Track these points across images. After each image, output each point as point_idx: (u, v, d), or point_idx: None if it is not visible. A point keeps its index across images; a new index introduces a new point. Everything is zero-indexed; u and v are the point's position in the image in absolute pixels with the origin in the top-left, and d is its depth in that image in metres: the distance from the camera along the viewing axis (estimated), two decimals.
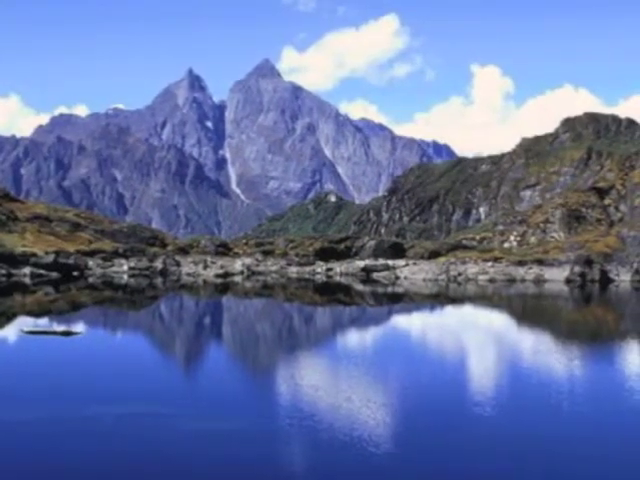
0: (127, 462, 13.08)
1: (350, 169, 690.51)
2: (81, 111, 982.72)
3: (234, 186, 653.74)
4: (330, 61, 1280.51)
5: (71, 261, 66.17)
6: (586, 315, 47.93)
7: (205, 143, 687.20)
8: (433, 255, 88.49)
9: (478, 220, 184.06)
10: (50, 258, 64.27)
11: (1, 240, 65.49)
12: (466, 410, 17.46)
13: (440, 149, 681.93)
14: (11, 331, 31.23)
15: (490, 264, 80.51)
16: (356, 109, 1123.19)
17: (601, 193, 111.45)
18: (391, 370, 23.98)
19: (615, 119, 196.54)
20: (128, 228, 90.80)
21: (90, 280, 62.55)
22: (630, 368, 24.36)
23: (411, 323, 41.42)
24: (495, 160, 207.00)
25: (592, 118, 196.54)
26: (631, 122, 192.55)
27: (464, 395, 19.46)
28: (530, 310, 51.10)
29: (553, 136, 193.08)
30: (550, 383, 21.16)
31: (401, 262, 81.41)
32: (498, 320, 43.46)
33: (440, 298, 57.96)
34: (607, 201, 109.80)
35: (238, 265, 78.36)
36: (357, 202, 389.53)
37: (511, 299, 58.67)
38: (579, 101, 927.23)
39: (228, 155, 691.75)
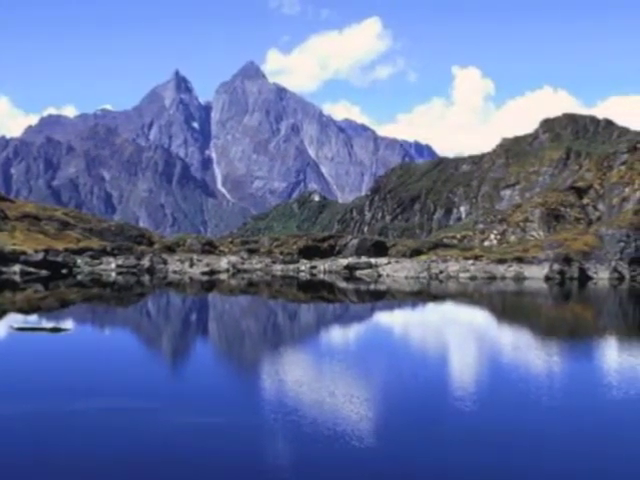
0: (113, 456, 13.29)
1: (333, 169, 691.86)
2: (70, 112, 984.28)
3: (220, 186, 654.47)
4: (314, 63, 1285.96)
5: (60, 259, 66.48)
6: (565, 312, 48.30)
7: (191, 143, 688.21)
8: (415, 253, 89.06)
9: (459, 219, 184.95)
10: (39, 256, 64.52)
11: None
12: (447, 405, 17.71)
13: (422, 149, 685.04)
14: (1, 327, 31.16)
15: (471, 262, 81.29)
16: (339, 110, 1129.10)
17: (580, 192, 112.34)
18: (374, 366, 24.23)
19: (593, 120, 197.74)
20: (116, 227, 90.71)
21: (79, 278, 62.65)
22: (608, 364, 24.72)
23: (393, 320, 41.66)
24: (475, 160, 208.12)
25: (571, 119, 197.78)
26: (609, 123, 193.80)
27: (445, 390, 19.65)
28: (510, 307, 51.60)
29: (532, 136, 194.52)
30: (529, 378, 21.49)
31: (383, 260, 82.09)
32: (479, 317, 43.74)
33: (422, 295, 58.13)
34: (585, 200, 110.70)
35: (224, 263, 78.91)
36: (340, 201, 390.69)
37: (491, 296, 59.21)
38: (558, 102, 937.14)
39: (214, 155, 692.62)
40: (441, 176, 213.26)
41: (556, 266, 76.17)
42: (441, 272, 77.27)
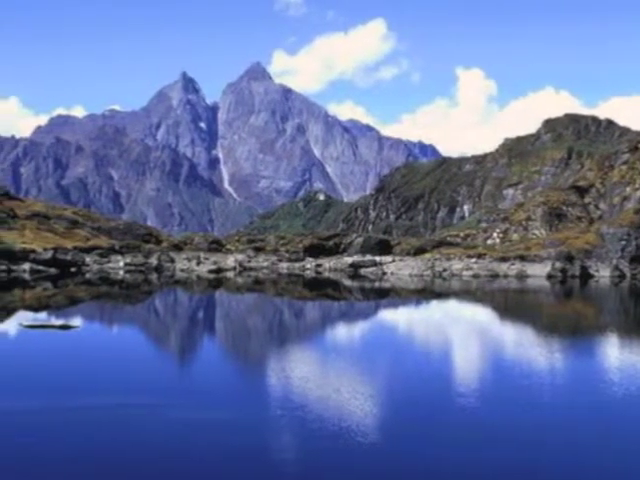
0: (121, 451, 13.38)
1: (338, 168, 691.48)
2: (79, 112, 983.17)
3: (226, 185, 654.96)
4: (319, 64, 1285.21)
5: (69, 257, 67.29)
6: (567, 309, 48.72)
7: (198, 143, 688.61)
8: (419, 251, 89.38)
9: (462, 218, 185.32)
10: (48, 254, 65.33)
11: (1, 237, 66.43)
12: (451, 401, 17.76)
13: (425, 149, 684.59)
14: (11, 325, 31.45)
15: (474, 260, 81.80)
16: (344, 110, 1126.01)
17: (581, 192, 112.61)
18: (378, 362, 24.36)
19: (595, 120, 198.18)
20: (124, 225, 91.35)
21: (87, 276, 63.18)
22: (609, 361, 24.82)
23: (398, 317, 41.92)
24: (479, 160, 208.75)
25: (572, 119, 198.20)
26: (610, 123, 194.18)
27: (449, 386, 19.72)
28: (512, 304, 51.88)
29: (535, 137, 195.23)
30: (532, 375, 21.54)
31: (388, 258, 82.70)
32: (482, 314, 43.99)
33: (425, 293, 58.56)
34: (587, 199, 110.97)
35: (230, 261, 79.64)
36: (345, 200, 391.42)
37: (494, 294, 59.32)
38: (560, 103, 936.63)
39: (221, 155, 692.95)
40: (444, 175, 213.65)
41: (558, 264, 76.61)
42: (445, 270, 77.86)
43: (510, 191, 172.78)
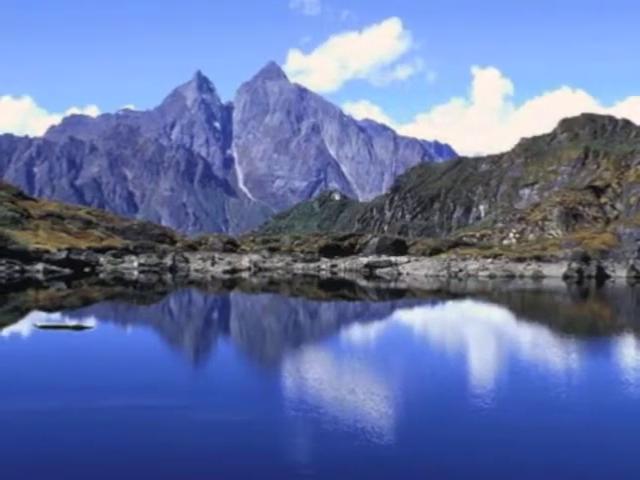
0: (136, 452, 13.39)
1: (354, 168, 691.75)
2: (92, 112, 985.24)
3: (241, 185, 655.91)
4: (334, 63, 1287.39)
5: (83, 257, 67.23)
6: (583, 310, 48.44)
7: (213, 143, 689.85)
8: (434, 252, 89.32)
9: (478, 218, 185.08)
10: (62, 255, 65.32)
11: (15, 237, 66.09)
12: (467, 402, 17.72)
13: (441, 149, 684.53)
14: (25, 325, 31.48)
15: (490, 260, 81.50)
16: (359, 110, 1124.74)
17: (598, 191, 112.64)
18: (394, 363, 24.33)
19: (611, 119, 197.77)
20: (138, 225, 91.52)
21: (101, 276, 63.10)
22: (626, 361, 24.68)
23: (413, 318, 41.75)
24: (495, 159, 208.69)
25: (589, 119, 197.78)
26: (627, 122, 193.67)
27: (465, 387, 19.73)
28: (529, 305, 51.61)
29: (551, 136, 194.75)
30: (548, 376, 21.44)
31: (403, 259, 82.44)
32: (498, 315, 43.78)
33: (441, 293, 58.29)
34: (603, 199, 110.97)
35: (245, 261, 79.49)
36: (361, 200, 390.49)
37: (510, 294, 59.04)
38: (576, 102, 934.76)
39: (235, 155, 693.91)
40: (460, 175, 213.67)
41: (574, 264, 76.27)
42: (460, 270, 77.58)
43: (526, 191, 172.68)
